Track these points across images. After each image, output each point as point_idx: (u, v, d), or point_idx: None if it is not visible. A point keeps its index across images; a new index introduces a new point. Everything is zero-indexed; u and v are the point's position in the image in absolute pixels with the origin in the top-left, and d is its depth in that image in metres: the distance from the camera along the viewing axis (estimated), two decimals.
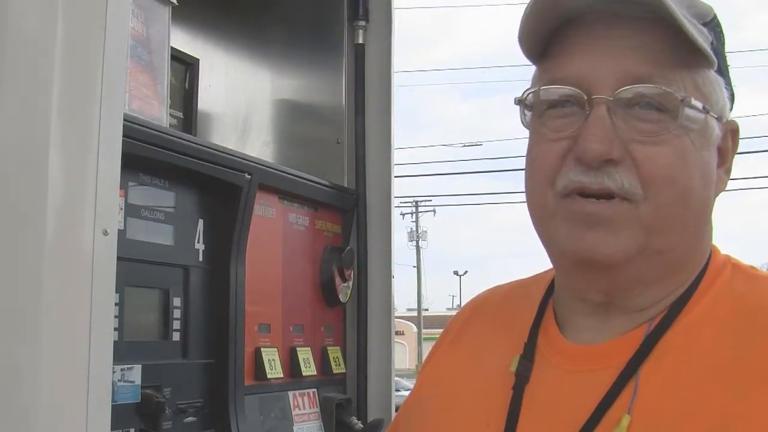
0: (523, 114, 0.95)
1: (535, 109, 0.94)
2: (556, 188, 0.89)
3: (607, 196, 0.87)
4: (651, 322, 0.90)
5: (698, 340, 0.88)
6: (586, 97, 0.88)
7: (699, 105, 0.88)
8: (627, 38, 0.88)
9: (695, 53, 0.87)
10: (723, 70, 0.94)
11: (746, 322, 0.87)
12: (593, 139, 0.86)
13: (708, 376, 0.84)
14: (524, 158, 0.96)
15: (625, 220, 0.87)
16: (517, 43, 0.95)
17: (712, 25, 0.93)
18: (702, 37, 0.88)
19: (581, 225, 0.88)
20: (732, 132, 0.96)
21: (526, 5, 0.92)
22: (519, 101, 0.95)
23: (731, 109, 0.97)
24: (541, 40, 0.93)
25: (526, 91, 0.95)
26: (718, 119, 0.92)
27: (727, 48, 0.97)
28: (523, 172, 0.96)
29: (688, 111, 0.87)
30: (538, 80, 0.95)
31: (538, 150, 0.93)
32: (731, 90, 0.96)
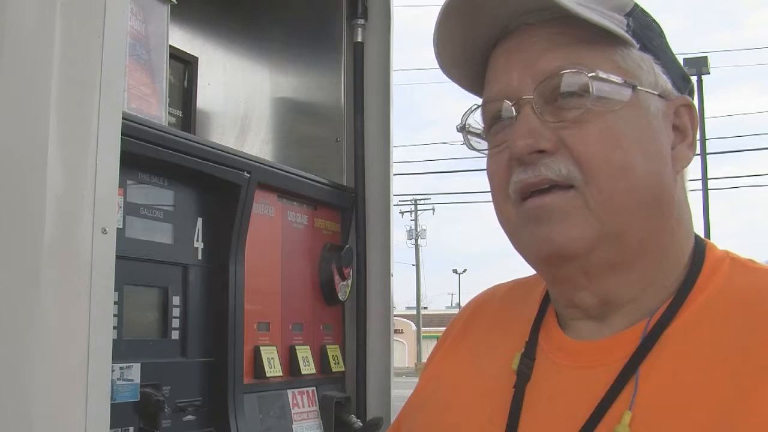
0: (466, 139, 1.00)
1: (483, 133, 0.99)
2: (510, 196, 0.93)
3: (550, 187, 0.89)
4: (650, 318, 0.90)
5: (698, 333, 0.88)
6: (512, 104, 0.92)
7: (617, 79, 0.90)
8: (538, 42, 0.92)
9: (609, 36, 0.90)
10: (656, 52, 0.96)
11: (747, 315, 0.87)
12: (518, 135, 0.90)
13: (709, 369, 0.85)
14: None
15: (574, 208, 0.89)
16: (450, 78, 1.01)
17: (636, 13, 0.95)
18: (611, 21, 0.91)
19: (535, 222, 0.90)
20: (686, 107, 0.97)
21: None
22: (460, 129, 1.00)
23: (688, 90, 0.99)
24: (477, 74, 0.99)
25: (462, 116, 1.00)
26: (661, 96, 0.94)
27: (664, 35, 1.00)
28: None
29: (600, 85, 0.89)
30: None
31: (489, 166, 0.97)
32: (677, 70, 0.98)
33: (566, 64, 0.90)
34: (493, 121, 0.96)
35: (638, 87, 0.92)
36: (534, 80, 0.91)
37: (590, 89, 0.89)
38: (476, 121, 1.00)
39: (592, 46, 0.91)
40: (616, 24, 0.91)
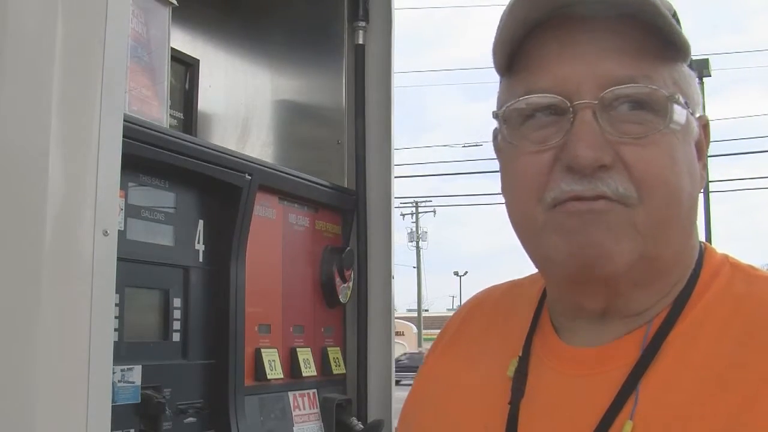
0: (502, 129, 0.92)
1: (510, 122, 0.90)
2: (545, 201, 0.86)
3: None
4: (650, 325, 0.89)
5: (698, 342, 0.87)
6: (569, 104, 0.85)
7: (683, 101, 0.87)
8: (600, 41, 0.86)
9: (669, 49, 0.86)
10: (692, 65, 0.92)
11: (747, 324, 0.86)
12: (584, 145, 0.83)
13: (709, 378, 0.84)
14: (501, 174, 0.94)
15: (625, 224, 0.84)
16: (491, 56, 0.92)
17: (675, 18, 0.90)
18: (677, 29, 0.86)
19: (576, 226, 0.84)
20: (704, 127, 0.94)
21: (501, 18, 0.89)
22: (498, 115, 0.92)
23: None
24: (508, 50, 0.90)
25: (504, 104, 0.91)
26: (693, 114, 0.91)
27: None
28: (502, 188, 0.93)
29: (675, 108, 0.86)
30: (510, 93, 0.91)
31: (521, 164, 0.89)
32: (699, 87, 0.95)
33: (637, 74, 0.84)
34: (531, 114, 0.88)
35: (692, 109, 0.89)
36: (599, 84, 0.84)
37: (667, 111, 0.85)
38: (514, 110, 0.90)
39: (658, 58, 0.86)
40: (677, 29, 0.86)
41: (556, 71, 0.86)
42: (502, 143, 0.94)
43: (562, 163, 0.85)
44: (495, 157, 0.98)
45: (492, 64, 0.94)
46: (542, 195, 0.87)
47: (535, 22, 0.88)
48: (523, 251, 0.94)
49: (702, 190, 0.94)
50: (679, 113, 0.86)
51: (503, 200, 0.95)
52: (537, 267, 0.95)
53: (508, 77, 0.93)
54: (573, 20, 0.87)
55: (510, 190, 0.92)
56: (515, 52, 0.90)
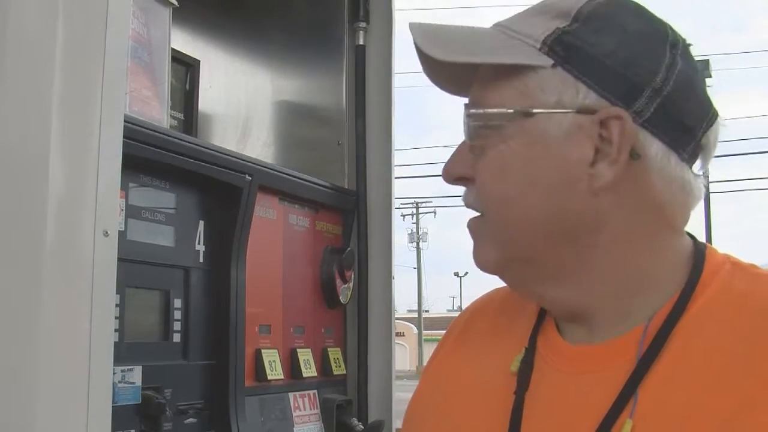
0: None
1: None
2: None
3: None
4: (647, 324, 0.89)
5: (699, 340, 0.87)
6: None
7: (500, 111, 0.90)
8: (478, 73, 0.95)
9: (506, 67, 0.91)
10: (587, 64, 0.87)
11: (748, 323, 0.86)
12: (448, 161, 0.96)
13: (710, 378, 0.83)
14: None
15: (480, 233, 0.95)
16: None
17: (582, 19, 0.88)
18: (517, 43, 0.90)
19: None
20: (615, 119, 0.87)
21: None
22: None
23: (648, 98, 0.87)
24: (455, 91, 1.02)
25: None
26: (580, 111, 0.86)
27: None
28: None
29: (472, 121, 0.93)
30: None
31: None
32: (623, 78, 0.87)
33: (480, 95, 0.93)
34: None
35: (534, 111, 0.88)
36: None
37: (488, 125, 0.91)
38: None
39: (496, 78, 0.91)
40: (529, 44, 0.88)
41: None
42: None
43: None
44: None
45: None
46: None
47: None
48: None
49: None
50: (486, 124, 0.91)
51: None
52: None
53: None
54: None
55: None
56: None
